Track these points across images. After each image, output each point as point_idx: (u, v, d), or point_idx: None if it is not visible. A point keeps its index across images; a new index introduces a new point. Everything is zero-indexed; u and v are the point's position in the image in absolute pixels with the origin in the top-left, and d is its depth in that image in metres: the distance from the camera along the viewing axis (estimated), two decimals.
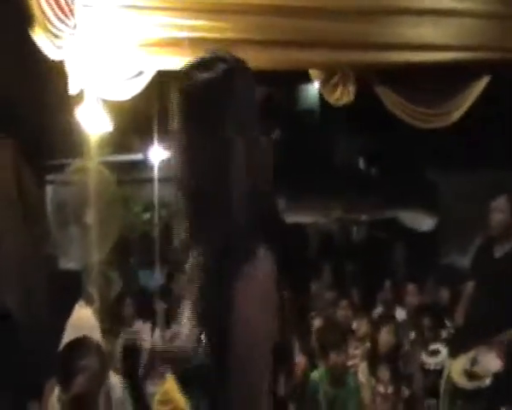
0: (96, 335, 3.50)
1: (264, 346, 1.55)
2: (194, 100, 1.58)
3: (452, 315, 5.73)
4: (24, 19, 3.57)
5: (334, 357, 4.79)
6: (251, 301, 1.51)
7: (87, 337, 3.41)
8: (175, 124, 1.62)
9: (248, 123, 1.60)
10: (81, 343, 3.41)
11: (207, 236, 1.58)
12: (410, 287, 6.56)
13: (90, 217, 4.43)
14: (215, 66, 1.60)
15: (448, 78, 5.59)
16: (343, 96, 5.95)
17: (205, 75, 1.58)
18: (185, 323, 1.75)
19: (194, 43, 4.36)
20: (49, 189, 5.34)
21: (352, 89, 5.89)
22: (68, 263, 5.16)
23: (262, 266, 1.53)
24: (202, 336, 1.64)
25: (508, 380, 4.34)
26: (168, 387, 4.18)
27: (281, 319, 1.63)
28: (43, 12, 3.53)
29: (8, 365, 3.84)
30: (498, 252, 4.71)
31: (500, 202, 4.68)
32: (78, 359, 3.44)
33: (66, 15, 3.63)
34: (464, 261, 6.18)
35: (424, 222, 9.08)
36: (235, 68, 1.62)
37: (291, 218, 8.94)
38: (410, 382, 5.25)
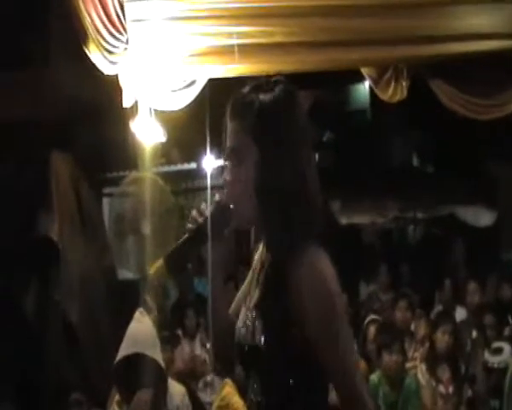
0: (155, 350, 3.54)
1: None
2: (265, 118, 1.68)
3: None
4: (79, 36, 3.66)
5: (390, 359, 4.74)
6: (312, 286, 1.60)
7: (145, 355, 3.46)
8: (237, 143, 1.72)
9: (307, 138, 1.73)
10: (140, 357, 3.46)
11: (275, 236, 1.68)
12: (471, 285, 6.41)
13: (147, 227, 4.50)
14: (273, 87, 1.72)
15: (504, 67, 5.45)
16: (396, 92, 5.87)
17: (268, 96, 1.70)
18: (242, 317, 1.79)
19: (243, 49, 4.38)
20: (106, 201, 5.47)
21: (405, 84, 5.81)
22: (127, 274, 5.26)
23: (320, 259, 1.63)
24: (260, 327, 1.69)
25: None
26: (227, 391, 4.21)
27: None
28: (96, 29, 3.61)
29: (70, 373, 3.95)
30: None
31: None
32: (138, 370, 3.51)
33: (118, 31, 3.70)
34: None
35: (484, 217, 8.87)
36: (292, 88, 1.74)
37: (347, 219, 8.89)
38: (473, 382, 5.16)
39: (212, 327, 1.96)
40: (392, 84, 5.87)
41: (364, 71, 5.90)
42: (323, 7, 4.68)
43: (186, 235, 1.83)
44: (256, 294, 1.75)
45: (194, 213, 1.85)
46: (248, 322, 1.73)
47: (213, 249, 1.84)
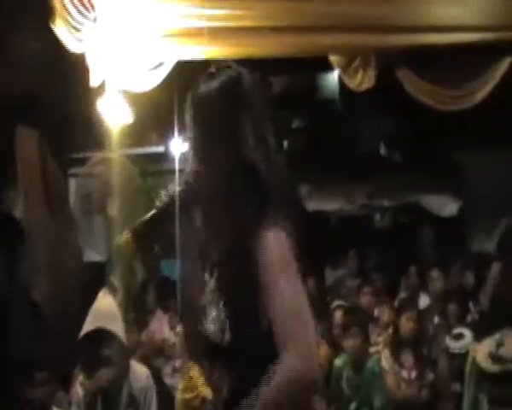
0: (118, 327, 3.55)
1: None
2: (206, 108, 1.72)
3: (477, 299, 5.70)
4: (45, 12, 3.61)
5: (354, 343, 4.80)
6: (275, 257, 1.60)
7: (107, 330, 3.47)
8: (191, 131, 1.76)
9: (262, 128, 1.74)
10: (102, 334, 3.48)
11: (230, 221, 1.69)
12: (435, 272, 6.52)
13: (113, 208, 4.48)
14: (221, 75, 1.74)
15: (471, 59, 5.52)
16: (364, 81, 5.93)
17: (213, 83, 1.73)
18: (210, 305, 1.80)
19: (213, 32, 4.38)
20: (72, 181, 5.41)
21: (372, 73, 5.86)
22: (93, 253, 5.23)
23: (281, 231, 1.64)
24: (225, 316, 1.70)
25: None
26: (192, 374, 4.23)
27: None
28: (63, 5, 3.58)
29: (36, 352, 3.92)
30: None
31: None
32: (100, 348, 3.51)
33: (86, 8, 3.67)
34: (490, 245, 6.15)
35: (449, 207, 9.00)
36: (241, 74, 1.76)
37: (315, 205, 8.94)
38: (435, 366, 5.24)
39: (181, 313, 1.97)
40: (360, 72, 5.93)
41: (333, 59, 5.94)
42: None
43: (153, 211, 1.86)
44: (212, 283, 1.77)
45: (162, 192, 1.88)
46: (213, 315, 1.75)
47: (182, 232, 1.86)
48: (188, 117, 1.77)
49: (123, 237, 4.18)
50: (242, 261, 1.64)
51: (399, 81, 5.90)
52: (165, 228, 1.88)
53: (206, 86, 1.73)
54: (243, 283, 1.64)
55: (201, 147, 1.75)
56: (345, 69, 6.00)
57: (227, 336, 1.68)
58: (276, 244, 1.62)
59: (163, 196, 1.86)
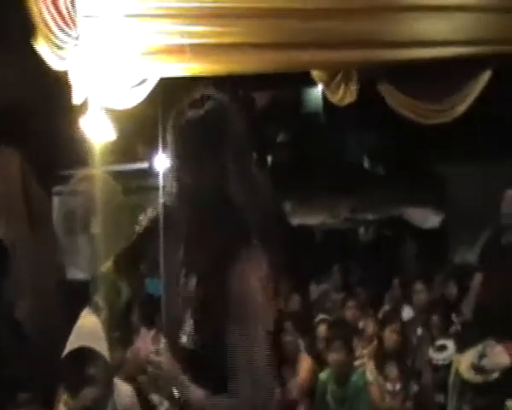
0: (101, 345, 3.54)
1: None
2: (189, 135, 1.78)
3: (460, 310, 5.74)
4: (27, 30, 3.62)
5: (338, 357, 4.82)
6: (245, 281, 1.67)
7: (91, 348, 3.46)
8: (172, 154, 1.82)
9: (241, 153, 1.79)
10: (86, 353, 3.46)
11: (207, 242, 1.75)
12: (418, 285, 6.56)
13: (97, 226, 4.47)
14: (204, 104, 1.80)
15: (451, 73, 5.59)
16: (346, 95, 5.98)
17: (195, 113, 1.79)
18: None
19: (195, 49, 4.41)
20: (55, 199, 5.39)
21: (354, 88, 5.91)
22: (76, 272, 5.21)
23: (254, 257, 1.70)
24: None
25: None
26: None
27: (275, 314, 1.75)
28: (45, 23, 3.59)
29: (19, 372, 3.90)
30: (504, 241, 4.74)
31: None
32: (84, 367, 3.50)
33: (68, 26, 3.69)
34: (472, 256, 6.19)
35: (432, 219, 9.07)
36: (224, 104, 1.82)
37: (299, 219, 8.97)
38: (419, 378, 5.27)
39: (165, 329, 2.02)
40: (342, 87, 5.98)
41: (315, 74, 5.99)
42: (274, 9, 4.74)
43: (134, 236, 1.90)
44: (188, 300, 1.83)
45: (141, 216, 1.92)
46: (187, 330, 1.82)
47: (166, 250, 1.92)
48: (170, 139, 1.82)
49: (106, 265, 4.19)
50: (215, 286, 1.70)
51: (381, 95, 5.97)
52: (148, 249, 1.93)
53: (192, 114, 1.78)
54: (214, 306, 1.70)
55: (181, 172, 1.79)
56: (327, 84, 6.06)
57: (198, 351, 1.76)
58: (244, 278, 1.68)
59: (142, 220, 1.91)
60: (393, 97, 5.97)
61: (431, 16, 5.05)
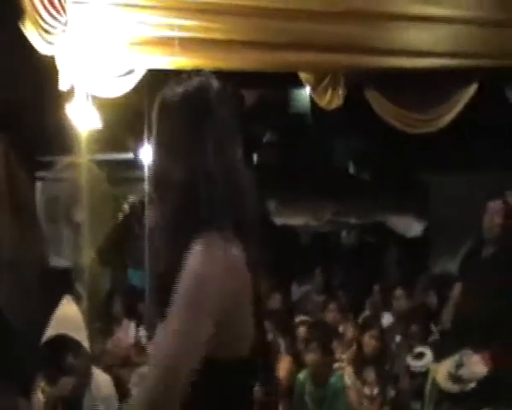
0: (81, 334, 3.52)
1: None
2: (170, 112, 1.66)
3: (439, 319, 5.76)
4: (15, 13, 3.59)
5: (314, 357, 4.82)
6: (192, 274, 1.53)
7: (70, 336, 3.44)
8: (154, 134, 1.70)
9: (226, 142, 1.66)
10: (65, 341, 3.44)
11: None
12: (398, 292, 6.59)
13: (80, 214, 4.43)
14: (191, 80, 1.68)
15: (437, 84, 5.64)
16: (333, 99, 6.01)
17: (178, 89, 1.66)
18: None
19: (184, 43, 4.40)
20: (39, 185, 5.33)
21: (341, 92, 5.95)
22: (58, 259, 5.16)
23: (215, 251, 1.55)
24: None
25: (491, 382, 4.37)
26: None
27: (256, 315, 1.63)
28: (34, 7, 3.57)
29: None
30: (485, 253, 4.76)
31: (496, 205, 4.71)
32: (63, 356, 3.47)
33: (57, 11, 3.67)
34: (453, 266, 6.22)
35: (414, 228, 9.12)
36: (210, 83, 1.69)
37: (282, 219, 8.98)
38: (396, 384, 5.29)
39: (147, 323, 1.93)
40: (329, 91, 6.01)
41: (303, 76, 6.01)
42: (265, 8, 4.76)
43: (116, 225, 1.85)
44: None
45: (124, 205, 1.85)
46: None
47: (150, 242, 1.82)
48: (153, 119, 1.71)
49: (88, 253, 4.16)
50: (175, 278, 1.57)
51: (368, 102, 6.01)
52: (131, 239, 1.87)
53: (172, 91, 1.67)
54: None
55: (161, 154, 1.68)
56: (314, 87, 6.09)
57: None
58: (195, 264, 1.54)
59: (125, 208, 1.85)
60: (380, 104, 6.02)
61: (418, 26, 5.10)
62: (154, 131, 1.69)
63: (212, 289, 1.53)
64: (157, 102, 1.68)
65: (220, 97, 1.69)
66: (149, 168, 1.79)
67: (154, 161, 1.71)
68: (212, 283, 1.53)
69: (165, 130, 1.67)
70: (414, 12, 5.03)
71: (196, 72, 1.70)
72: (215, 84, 1.70)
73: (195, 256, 1.54)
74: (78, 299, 4.02)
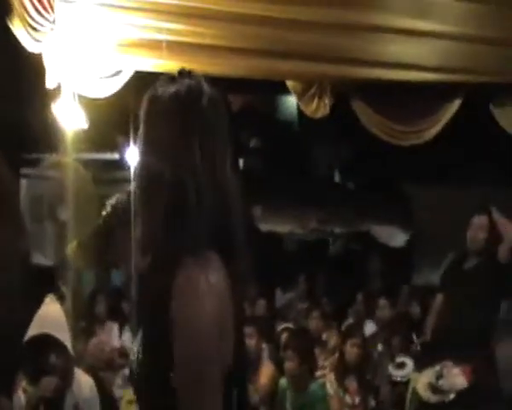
0: (64, 334, 3.49)
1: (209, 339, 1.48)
2: (157, 111, 1.60)
3: (421, 329, 5.79)
4: (3, 10, 3.59)
5: (290, 365, 4.81)
6: (188, 296, 1.48)
7: (53, 336, 3.41)
8: (140, 132, 1.64)
9: (213, 147, 1.61)
10: (48, 340, 3.41)
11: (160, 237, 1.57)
12: (381, 301, 6.61)
13: (64, 212, 4.41)
14: (181, 81, 1.62)
15: (424, 97, 5.70)
16: (319, 108, 6.06)
17: (169, 88, 1.60)
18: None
19: (171, 46, 4.41)
20: (24, 183, 5.29)
21: (328, 102, 6.00)
22: (41, 257, 5.12)
23: (207, 267, 1.52)
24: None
25: (471, 393, 4.39)
26: None
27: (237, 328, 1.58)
28: (22, 4, 3.56)
29: None
30: (468, 265, 4.79)
31: (481, 220, 4.72)
32: (45, 355, 3.44)
33: (45, 9, 3.66)
34: (435, 277, 6.25)
35: (398, 238, 9.17)
36: (201, 86, 1.64)
37: (267, 226, 8.99)
38: (377, 393, 5.29)
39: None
40: (316, 100, 6.05)
41: (290, 84, 6.05)
42: (255, 16, 4.78)
43: (98, 224, 1.84)
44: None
45: (107, 203, 1.82)
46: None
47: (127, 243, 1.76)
48: (140, 117, 1.65)
49: (70, 246, 4.13)
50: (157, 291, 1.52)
51: (354, 112, 6.05)
52: (114, 239, 1.84)
53: (162, 90, 1.60)
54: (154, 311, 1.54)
55: (147, 153, 1.61)
56: (301, 95, 6.12)
57: (140, 358, 1.58)
58: (189, 290, 1.49)
59: (108, 206, 1.83)
60: (366, 115, 6.07)
61: (405, 40, 5.14)
62: (141, 129, 1.64)
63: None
64: (146, 98, 1.62)
65: (210, 101, 1.63)
66: (135, 168, 1.72)
67: (140, 160, 1.65)
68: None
69: (153, 128, 1.61)
70: (401, 26, 5.05)
71: (188, 73, 1.65)
72: (206, 87, 1.64)
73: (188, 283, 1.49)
74: (61, 298, 3.99)
